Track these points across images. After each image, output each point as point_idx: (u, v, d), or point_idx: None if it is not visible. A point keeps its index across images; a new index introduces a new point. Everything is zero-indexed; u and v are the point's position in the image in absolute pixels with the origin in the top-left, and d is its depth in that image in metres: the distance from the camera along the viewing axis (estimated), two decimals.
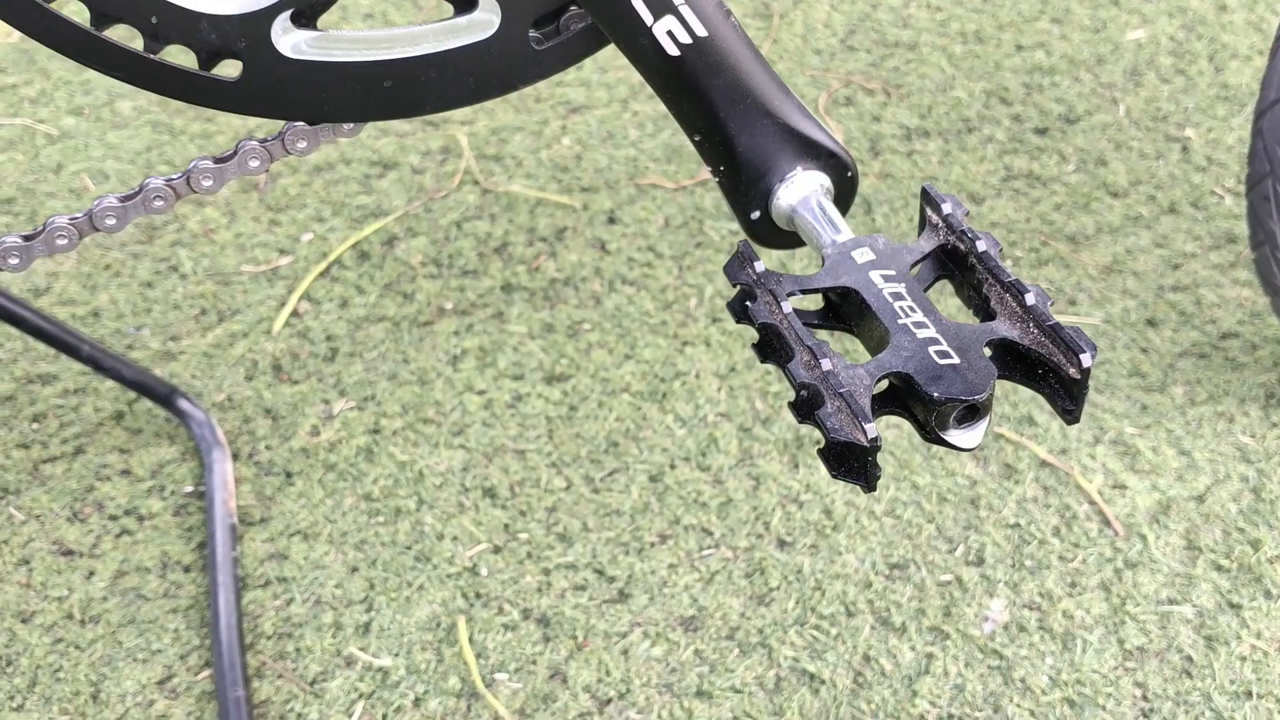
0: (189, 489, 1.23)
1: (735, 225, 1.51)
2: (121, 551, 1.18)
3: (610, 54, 1.79)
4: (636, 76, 1.74)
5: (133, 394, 1.30)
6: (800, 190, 0.72)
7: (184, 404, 1.27)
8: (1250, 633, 1.11)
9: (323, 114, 0.68)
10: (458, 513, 1.20)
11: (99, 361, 1.22)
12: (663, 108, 1.73)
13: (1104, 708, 1.06)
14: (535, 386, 1.32)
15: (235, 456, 1.26)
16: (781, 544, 1.18)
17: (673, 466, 1.25)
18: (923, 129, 1.66)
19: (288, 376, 1.34)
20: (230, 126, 1.68)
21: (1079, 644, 1.10)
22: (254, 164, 0.69)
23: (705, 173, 1.59)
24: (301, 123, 0.69)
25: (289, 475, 1.24)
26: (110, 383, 1.31)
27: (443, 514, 1.20)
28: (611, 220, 1.52)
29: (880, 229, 1.51)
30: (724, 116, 0.69)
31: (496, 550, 1.18)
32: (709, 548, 1.18)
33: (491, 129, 1.66)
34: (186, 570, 1.17)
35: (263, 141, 0.69)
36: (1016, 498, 1.21)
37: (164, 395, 1.27)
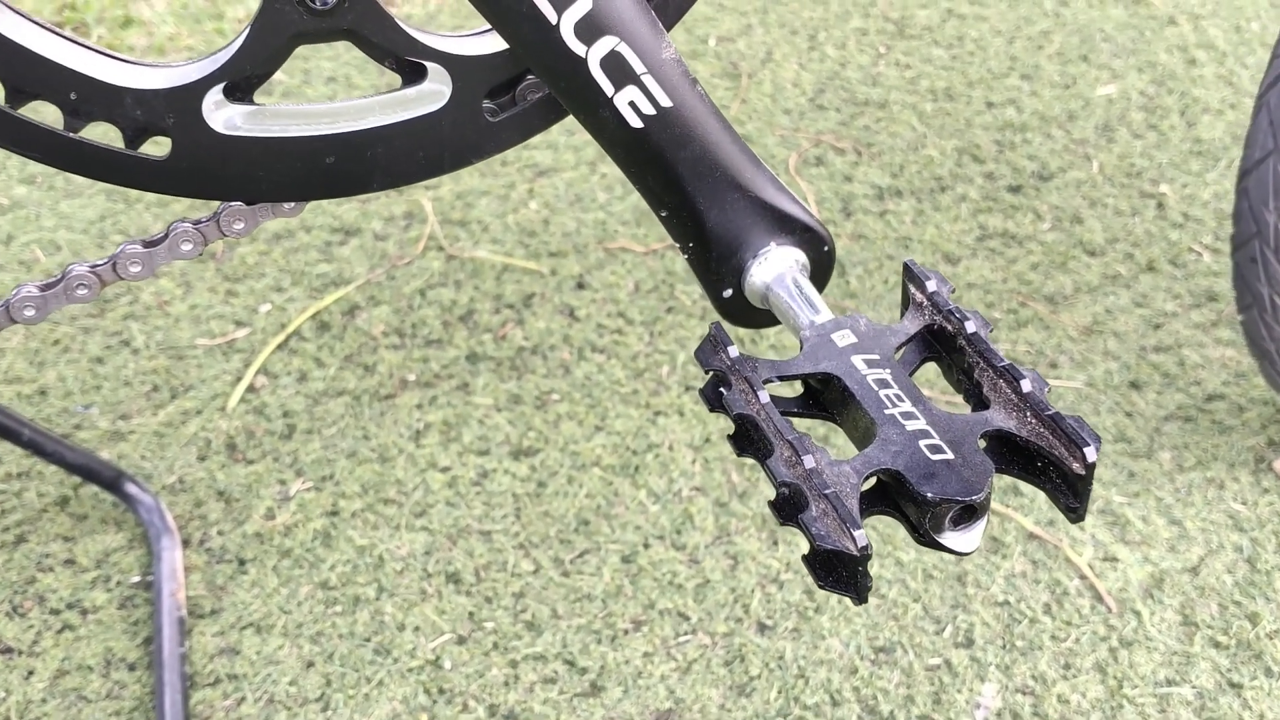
0: (136, 579, 1.17)
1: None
2: (63, 649, 1.11)
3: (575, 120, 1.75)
4: None
5: (78, 479, 1.24)
6: (775, 267, 0.67)
7: (132, 488, 1.20)
8: (1253, 714, 1.06)
9: (260, 193, 0.63)
10: (420, 600, 1.14)
11: (41, 446, 1.16)
12: None
13: None
14: (502, 462, 1.27)
15: (185, 543, 1.19)
16: (762, 628, 1.12)
17: (646, 545, 1.19)
18: (895, 188, 1.63)
19: (242, 456, 1.28)
20: (190, 205, 1.63)
21: None
22: (186, 247, 0.64)
23: None
24: (238, 202, 0.64)
25: (242, 563, 1.18)
26: (55, 467, 1.25)
27: (404, 602, 1.14)
28: (580, 286, 1.48)
29: (855, 291, 1.47)
30: (691, 190, 0.64)
31: (461, 641, 1.11)
32: (686, 634, 1.12)
33: (457, 193, 1.61)
34: (131, 668, 1.10)
35: (196, 223, 0.64)
36: (1005, 573, 1.16)
37: (110, 479, 1.20)
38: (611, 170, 1.66)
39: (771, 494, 0.59)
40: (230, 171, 0.61)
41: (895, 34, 1.92)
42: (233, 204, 0.64)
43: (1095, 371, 1.36)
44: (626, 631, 1.12)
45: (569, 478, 1.25)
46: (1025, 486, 1.23)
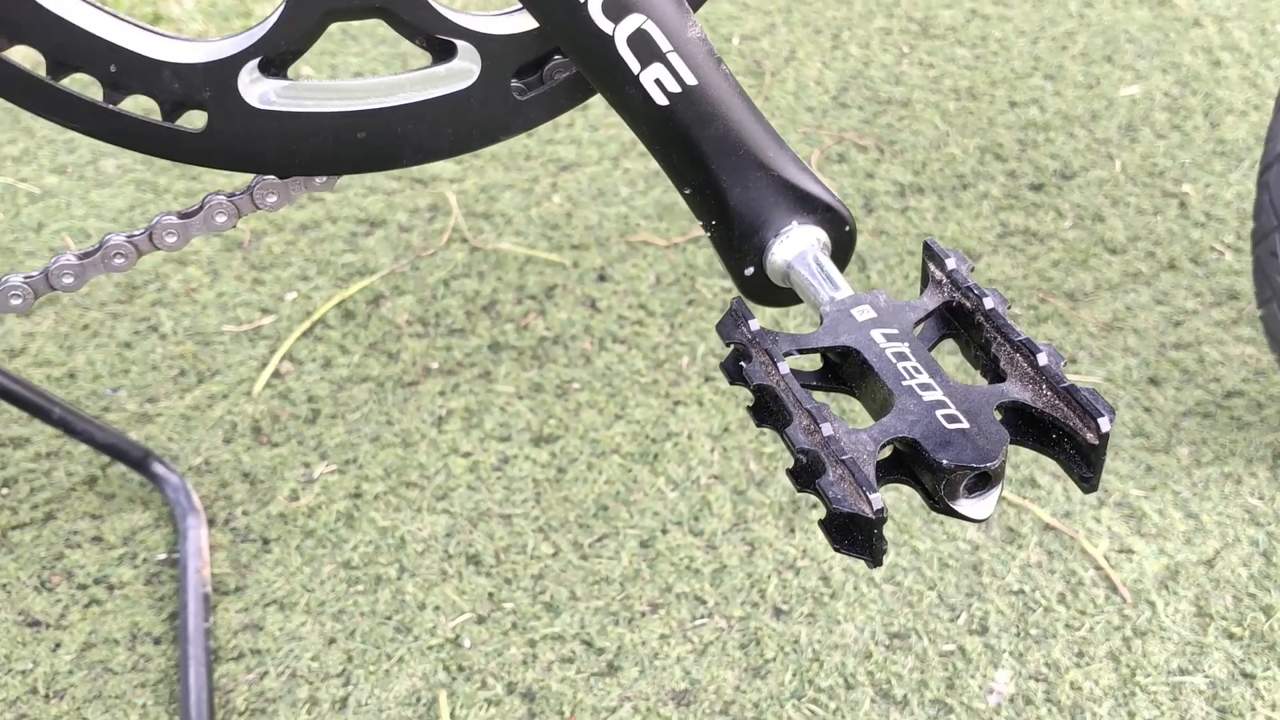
0: (162, 556, 1.19)
1: (728, 282, 1.48)
2: (90, 622, 1.13)
3: (601, 111, 1.77)
4: (629, 134, 1.72)
5: (106, 458, 1.26)
6: (796, 246, 0.69)
7: (159, 468, 1.22)
8: (1265, 704, 1.06)
9: (293, 167, 0.64)
10: (440, 581, 1.16)
11: (70, 425, 1.18)
12: (655, 164, 1.71)
13: None
14: (523, 448, 1.28)
15: (211, 522, 1.21)
16: (778, 613, 1.13)
17: (664, 531, 1.20)
18: (917, 185, 1.64)
19: (267, 439, 1.30)
20: (216, 183, 1.66)
21: (1088, 718, 1.05)
22: (220, 219, 0.65)
23: (698, 229, 1.56)
24: (271, 176, 0.65)
25: (266, 542, 1.19)
26: (83, 446, 1.27)
27: (424, 582, 1.16)
28: (602, 278, 1.49)
29: (875, 286, 1.48)
30: (715, 169, 0.66)
31: (480, 620, 1.13)
32: (702, 617, 1.13)
33: (481, 186, 1.63)
34: (157, 642, 1.12)
35: (230, 196, 0.66)
36: (1020, 563, 1.17)
37: (138, 459, 1.23)
38: (634, 165, 1.68)
39: (790, 463, 0.60)
40: (264, 145, 0.63)
41: (919, 34, 1.92)
42: (266, 177, 0.66)
43: (1115, 367, 1.37)
44: (644, 614, 1.13)
45: (589, 464, 1.27)
46: (1042, 479, 1.24)
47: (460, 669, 1.09)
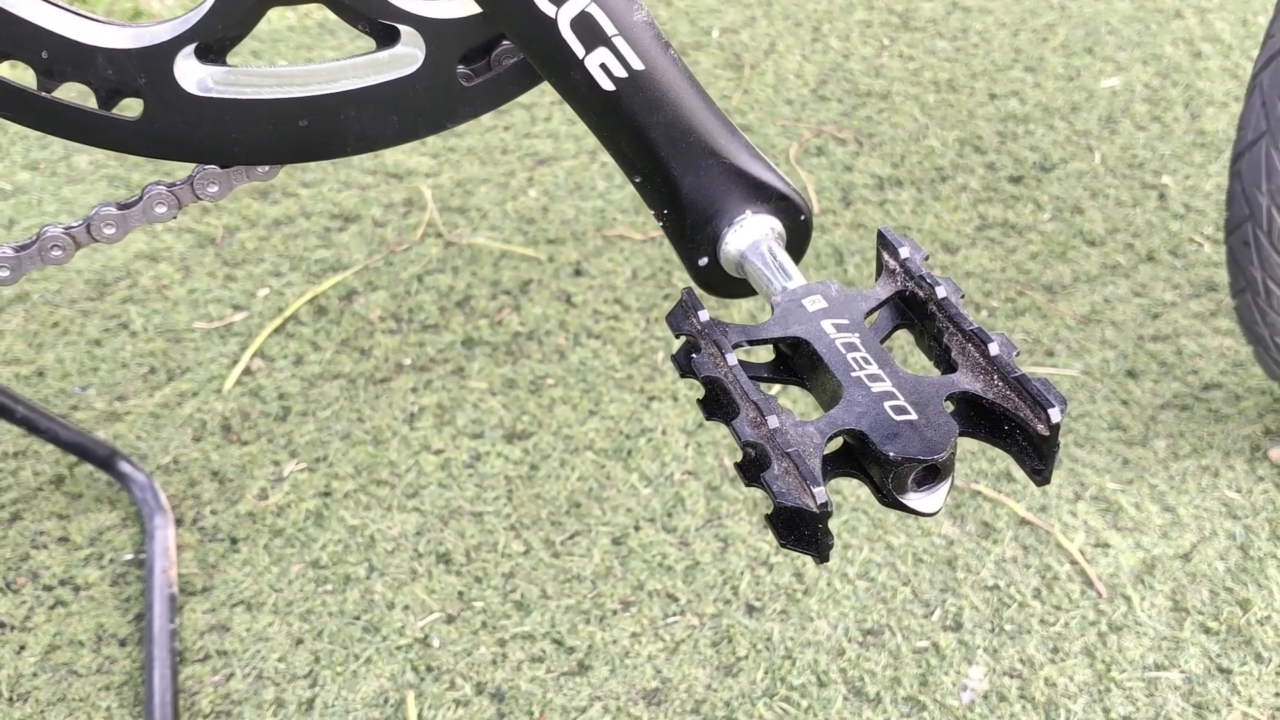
0: (128, 557, 1.17)
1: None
2: (55, 624, 1.12)
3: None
4: None
5: (74, 457, 1.25)
6: (750, 235, 0.67)
7: (125, 467, 1.21)
8: (1241, 699, 1.05)
9: (234, 156, 0.63)
10: (409, 580, 1.14)
11: (34, 424, 1.17)
12: None
13: None
14: (495, 445, 1.27)
15: (179, 522, 1.20)
16: (750, 610, 1.12)
17: (637, 528, 1.19)
18: (895, 178, 1.62)
19: (237, 437, 1.29)
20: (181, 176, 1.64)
21: (1062, 714, 1.04)
22: (161, 210, 0.64)
23: None
24: (213, 166, 0.64)
25: (234, 541, 1.18)
26: (51, 445, 1.26)
27: (394, 581, 1.14)
28: (578, 272, 1.48)
29: (853, 280, 1.47)
30: (665, 156, 0.64)
31: (449, 620, 1.12)
32: (674, 615, 1.12)
33: (456, 180, 1.62)
34: (122, 644, 1.10)
35: (170, 186, 0.64)
36: (995, 558, 1.16)
37: (104, 458, 1.21)
38: (611, 159, 1.67)
39: (739, 456, 0.59)
40: (203, 133, 0.62)
41: (899, 26, 1.91)
42: (207, 167, 0.64)
43: (1092, 360, 1.36)
44: (615, 612, 1.12)
45: (561, 461, 1.26)
46: (1018, 473, 1.23)
47: (429, 669, 1.08)
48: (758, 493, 1.22)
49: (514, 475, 1.24)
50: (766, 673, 1.07)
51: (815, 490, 0.52)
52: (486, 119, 1.73)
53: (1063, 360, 1.36)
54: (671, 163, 0.65)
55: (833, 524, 1.18)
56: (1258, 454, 1.25)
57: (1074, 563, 1.15)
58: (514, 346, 1.38)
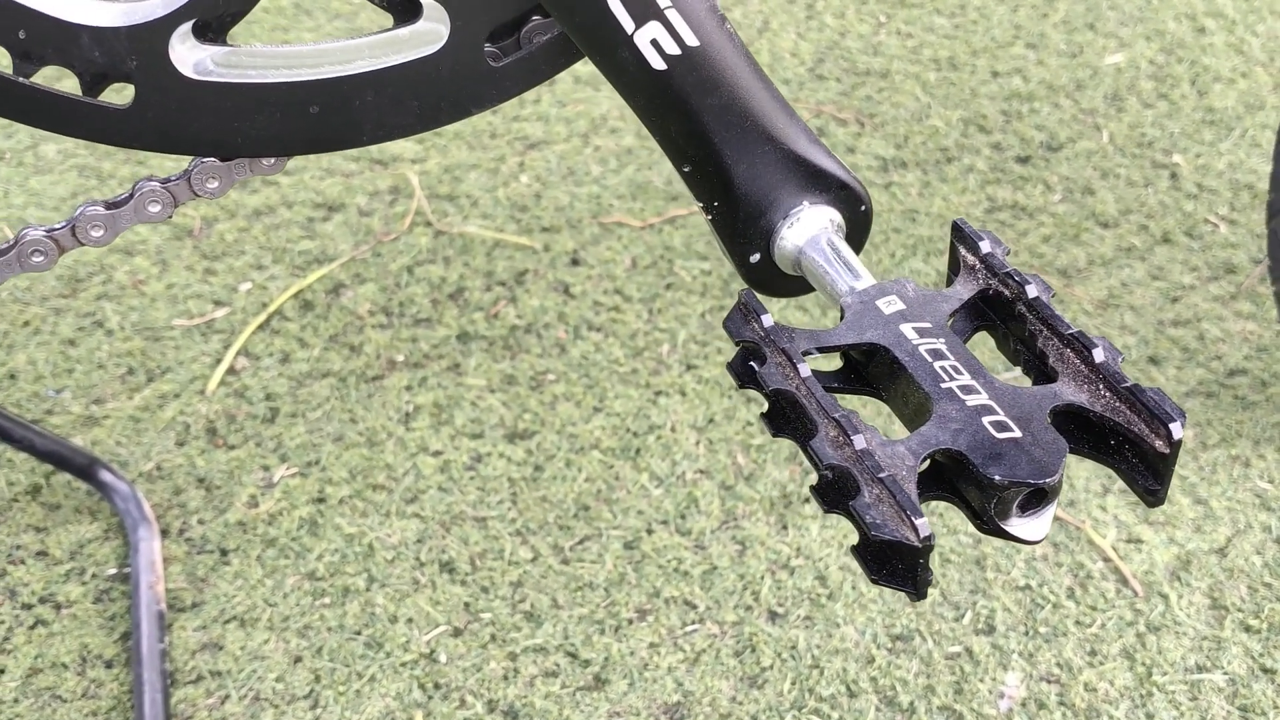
0: (112, 571, 1.10)
1: (708, 264, 1.41)
2: (36, 646, 1.05)
3: (569, 85, 1.69)
4: (598, 110, 1.64)
5: (50, 466, 1.17)
6: (808, 229, 0.62)
7: (106, 476, 1.14)
8: None
9: (235, 147, 0.56)
10: (412, 591, 1.08)
11: (9, 433, 1.09)
12: (627, 141, 1.63)
13: None
14: (496, 445, 1.21)
15: (164, 533, 1.13)
16: (773, 616, 1.07)
17: (650, 531, 1.14)
18: (899, 160, 1.57)
19: (223, 441, 1.22)
20: (164, 168, 1.56)
21: None
22: (154, 209, 0.57)
23: (674, 209, 1.49)
24: (212, 158, 0.58)
25: (224, 553, 1.11)
26: (25, 454, 1.18)
27: (395, 593, 1.08)
28: (575, 262, 1.42)
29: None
30: (718, 142, 0.58)
31: (456, 633, 1.05)
32: (693, 623, 1.06)
33: (444, 167, 1.55)
34: (108, 665, 1.03)
35: (165, 182, 0.58)
36: (1025, 556, 1.11)
37: (83, 467, 1.14)
38: (605, 142, 1.60)
39: (814, 479, 0.53)
40: (201, 122, 0.55)
41: (896, 2, 1.86)
42: (206, 160, 0.58)
43: None
44: (631, 621, 1.06)
45: (567, 461, 1.20)
46: None
47: (437, 686, 1.02)
48: (774, 492, 1.16)
49: (518, 477, 1.18)
50: (794, 683, 1.02)
51: (918, 522, 0.46)
52: None
53: None
54: (725, 149, 0.59)
55: None
56: None
57: (1107, 560, 1.11)
58: (512, 341, 1.32)
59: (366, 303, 1.36)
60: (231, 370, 1.29)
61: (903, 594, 1.07)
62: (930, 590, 1.08)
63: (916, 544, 0.46)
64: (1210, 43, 1.77)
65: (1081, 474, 1.18)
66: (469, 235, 1.45)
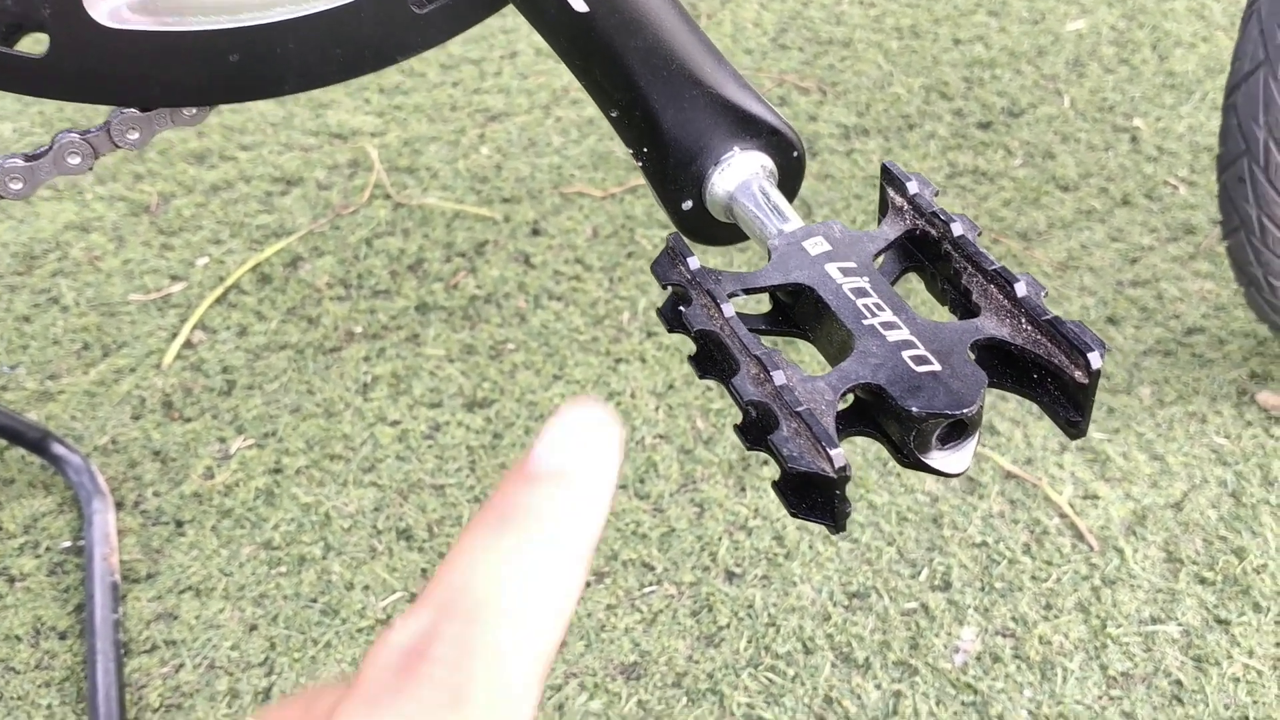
0: (66, 544, 1.10)
1: (671, 229, 1.41)
2: None
3: (531, 57, 1.68)
4: (560, 81, 1.64)
5: (3, 440, 1.17)
6: (739, 174, 0.61)
7: (59, 449, 1.13)
8: (1241, 650, 1.02)
9: (155, 97, 0.56)
10: (369, 559, 1.08)
11: None
12: (589, 112, 1.62)
13: None
14: (455, 414, 1.21)
15: (119, 506, 1.12)
16: (730, 576, 1.07)
17: None
18: (861, 127, 1.57)
19: (179, 414, 1.21)
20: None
21: (1059, 673, 1.00)
22: (74, 160, 0.57)
23: (636, 179, 1.49)
24: (133, 109, 0.57)
25: (179, 524, 1.11)
26: None
27: (352, 560, 1.08)
28: (535, 232, 1.41)
29: None
30: (644, 86, 0.58)
31: (413, 599, 1.05)
32: (650, 585, 1.06)
33: (404, 139, 1.54)
34: (62, 637, 1.03)
35: (84, 134, 0.57)
36: (982, 514, 1.11)
37: (35, 440, 1.13)
38: (566, 114, 1.59)
39: (739, 418, 0.53)
40: (119, 72, 0.54)
41: None
42: (126, 110, 0.57)
43: (1071, 307, 1.31)
44: (589, 584, 1.06)
45: (526, 429, 1.19)
46: (1001, 424, 1.19)
47: None
48: (733, 455, 1.16)
49: (476, 445, 1.18)
50: (750, 641, 1.02)
51: (832, 452, 0.46)
52: (434, 75, 1.65)
53: None
54: (651, 93, 0.59)
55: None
56: (1244, 398, 1.22)
57: (1063, 516, 1.11)
58: (471, 311, 1.32)
59: (325, 275, 1.36)
60: (188, 344, 1.28)
61: (859, 550, 1.06)
62: (886, 548, 1.09)
63: (831, 474, 0.46)
64: (1171, 8, 1.77)
65: (1039, 432, 1.18)
66: (429, 207, 1.45)
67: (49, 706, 0.98)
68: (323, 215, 1.43)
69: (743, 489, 1.13)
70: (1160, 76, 1.65)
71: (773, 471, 1.15)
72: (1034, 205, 1.45)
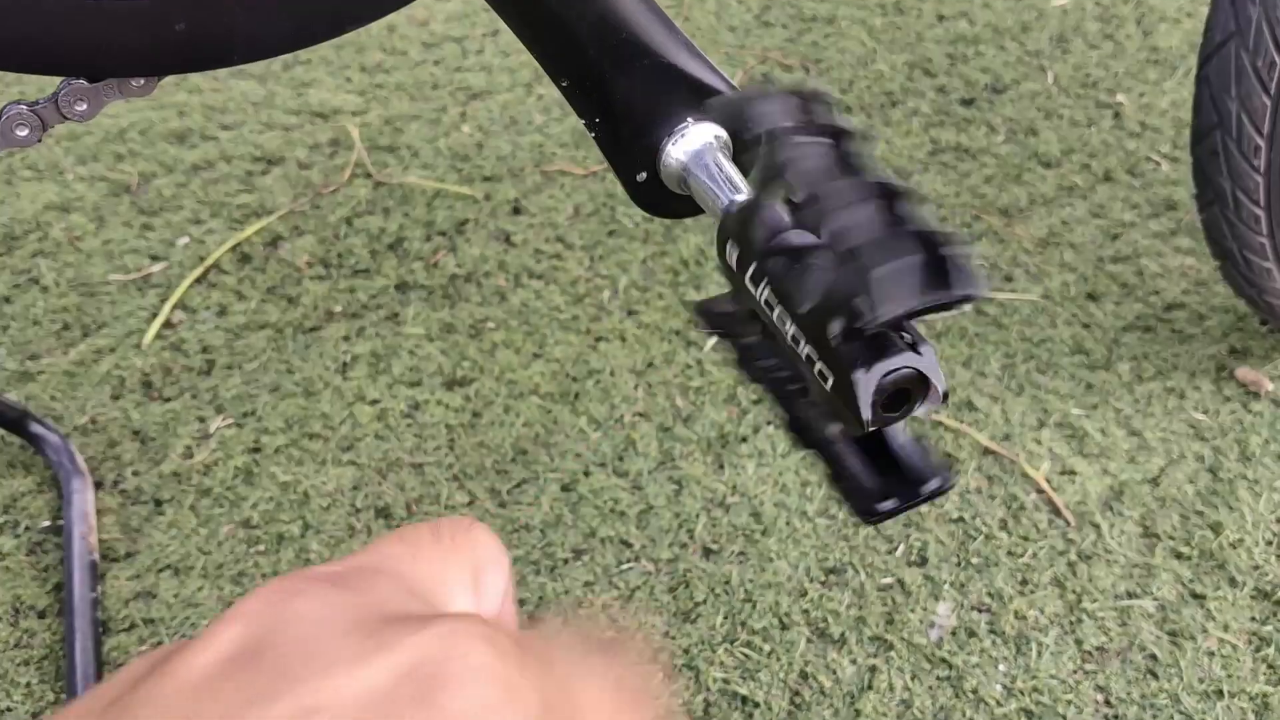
0: (45, 524, 1.10)
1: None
2: None
3: (513, 37, 1.67)
4: None
5: None
6: (692, 145, 0.61)
7: (37, 428, 1.13)
8: (1217, 625, 1.02)
9: (101, 67, 0.56)
10: (347, 537, 1.08)
11: None
12: None
13: (1064, 717, 0.96)
14: (434, 393, 1.21)
15: (99, 485, 1.13)
16: (707, 553, 1.07)
17: (587, 474, 1.14)
18: (844, 104, 1.57)
19: (159, 394, 1.21)
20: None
21: (1034, 647, 1.00)
22: (22, 133, 0.56)
23: None
24: (81, 80, 0.57)
25: (159, 503, 1.11)
26: None
27: (330, 539, 1.08)
28: (516, 210, 1.41)
29: None
30: (595, 55, 0.58)
31: None
32: (628, 561, 1.07)
33: (385, 118, 1.54)
34: (41, 616, 1.03)
35: (32, 105, 0.57)
36: (959, 489, 1.11)
37: (14, 420, 1.13)
38: (548, 92, 1.59)
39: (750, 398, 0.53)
40: (63, 40, 0.54)
41: None
42: (74, 81, 0.57)
43: (1052, 284, 1.31)
44: (566, 561, 1.07)
45: (505, 407, 1.19)
46: (979, 401, 1.19)
47: None
48: (711, 433, 1.16)
49: (455, 424, 1.18)
50: (726, 617, 1.02)
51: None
52: (415, 53, 1.64)
53: (1022, 284, 1.31)
54: (602, 62, 0.58)
55: (792, 461, 1.13)
56: (1223, 374, 1.22)
57: (1040, 491, 1.11)
58: (451, 290, 1.32)
59: (305, 254, 1.36)
60: (168, 324, 1.28)
61: (836, 526, 1.06)
62: (862, 524, 1.09)
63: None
64: None
65: (1017, 408, 1.18)
66: (409, 186, 1.44)
67: (28, 684, 0.99)
68: (303, 194, 1.43)
69: (721, 466, 1.14)
70: (1144, 52, 1.64)
71: (752, 450, 1.15)
72: (1016, 182, 1.44)
